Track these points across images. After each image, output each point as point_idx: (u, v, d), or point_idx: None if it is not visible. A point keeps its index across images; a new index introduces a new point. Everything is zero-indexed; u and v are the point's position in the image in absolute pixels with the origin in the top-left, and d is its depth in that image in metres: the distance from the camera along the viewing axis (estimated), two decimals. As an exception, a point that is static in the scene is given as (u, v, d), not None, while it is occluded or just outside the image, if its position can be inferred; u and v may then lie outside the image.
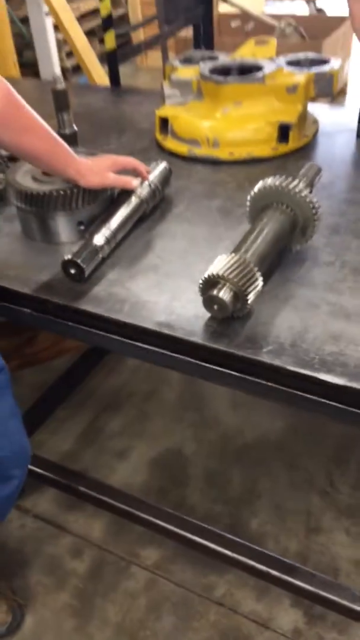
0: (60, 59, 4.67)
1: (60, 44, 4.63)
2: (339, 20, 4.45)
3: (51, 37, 4.32)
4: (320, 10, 5.79)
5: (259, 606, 1.56)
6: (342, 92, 4.24)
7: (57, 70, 4.43)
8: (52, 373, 2.08)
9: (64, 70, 4.72)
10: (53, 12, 3.25)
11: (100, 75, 3.18)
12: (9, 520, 1.77)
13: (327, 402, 0.98)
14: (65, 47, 4.66)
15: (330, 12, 5.56)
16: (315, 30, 4.35)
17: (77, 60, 3.36)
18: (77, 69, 4.72)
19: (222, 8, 4.52)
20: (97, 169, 1.29)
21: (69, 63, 4.89)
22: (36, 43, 4.34)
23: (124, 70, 2.31)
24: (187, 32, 2.97)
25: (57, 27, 3.80)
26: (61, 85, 1.52)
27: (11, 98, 1.19)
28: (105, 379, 2.24)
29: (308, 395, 0.99)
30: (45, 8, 3.85)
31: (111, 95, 2.27)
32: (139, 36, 4.52)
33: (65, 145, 1.27)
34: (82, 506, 1.80)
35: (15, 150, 1.26)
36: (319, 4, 5.92)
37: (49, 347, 2.02)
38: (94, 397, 2.17)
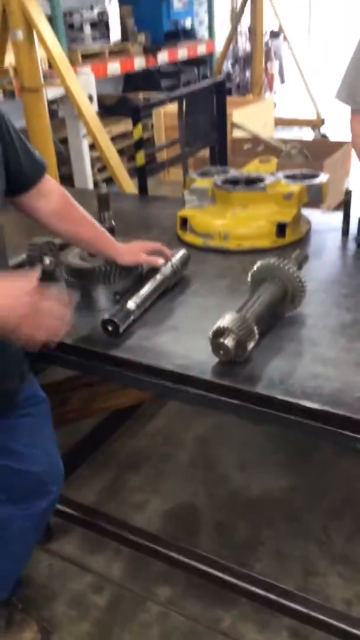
0: (93, 174, 5.30)
1: (93, 161, 5.28)
2: (339, 144, 5.04)
3: (86, 155, 4.95)
4: (324, 136, 6.52)
5: (260, 637, 1.72)
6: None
7: (90, 183, 5.03)
8: (78, 433, 2.35)
9: (95, 183, 5.33)
10: (91, 133, 3.83)
11: (129, 185, 3.69)
12: (38, 561, 1.98)
13: (307, 421, 1.26)
14: (98, 164, 5.30)
15: (333, 137, 6.27)
16: (318, 152, 4.92)
17: (110, 173, 3.90)
18: (106, 181, 5.35)
19: (236, 133, 5.17)
20: (131, 251, 1.66)
21: (99, 177, 5.53)
22: (73, 160, 4.98)
23: (149, 182, 2.77)
24: (205, 152, 3.50)
25: (92, 147, 4.42)
26: (104, 190, 1.94)
27: (66, 198, 1.59)
28: (126, 442, 2.49)
29: (292, 417, 1.27)
30: (83, 131, 4.49)
31: (140, 201, 2.71)
32: (162, 155, 5.17)
33: (107, 232, 1.65)
34: (103, 549, 2.00)
35: (69, 238, 1.64)
36: (323, 130, 6.67)
37: (78, 409, 2.30)
38: (116, 457, 2.41)
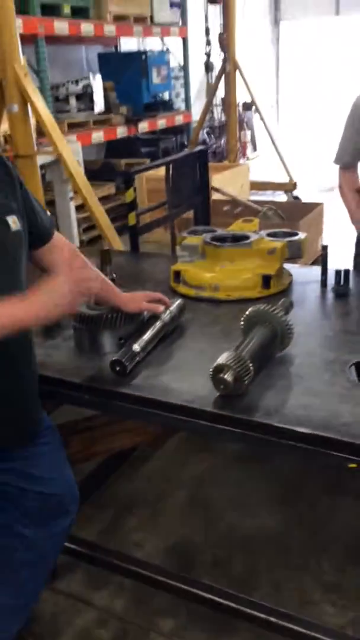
0: (79, 234, 5.55)
1: (79, 222, 5.53)
2: (312, 205, 5.39)
3: (73, 216, 5.20)
4: (296, 198, 6.93)
5: (260, 663, 1.82)
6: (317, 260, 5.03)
7: (77, 242, 5.26)
8: (77, 476, 2.45)
9: (81, 242, 5.57)
10: (82, 195, 4.08)
11: (118, 244, 3.92)
12: (43, 599, 2.05)
13: (300, 445, 1.42)
14: (83, 224, 5.56)
15: (305, 199, 6.68)
16: (292, 213, 5.24)
17: (99, 232, 4.14)
18: (91, 241, 5.62)
19: (216, 196, 5.50)
20: (134, 299, 1.84)
21: (84, 236, 5.78)
22: (60, 221, 5.22)
23: (131, 240, 3.00)
24: (188, 213, 3.76)
25: (77, 208, 4.69)
26: (107, 247, 2.13)
27: (75, 252, 1.78)
28: (123, 484, 2.60)
29: (287, 442, 1.43)
30: (70, 194, 4.74)
31: (133, 257, 2.92)
32: (145, 216, 5.46)
33: (112, 283, 1.83)
34: (105, 585, 2.08)
35: None
36: (295, 193, 7.09)
37: (78, 452, 2.41)
38: (114, 499, 2.51)
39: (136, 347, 1.74)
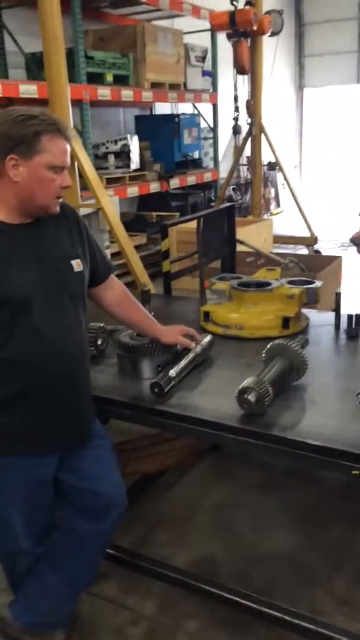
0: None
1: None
2: (331, 258, 5.70)
3: (107, 264, 5.59)
4: (317, 252, 7.26)
5: (275, 660, 2.01)
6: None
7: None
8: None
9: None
10: (119, 244, 4.46)
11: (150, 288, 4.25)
12: (81, 600, 2.27)
13: (312, 455, 1.68)
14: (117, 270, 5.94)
15: (325, 253, 7.01)
16: (312, 265, 5.56)
17: (134, 277, 4.49)
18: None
19: (240, 248, 5.85)
20: (171, 333, 2.12)
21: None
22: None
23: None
24: (215, 264, 4.09)
25: (114, 255, 5.08)
26: (147, 288, 2.46)
27: (126, 291, 2.10)
28: (151, 505, 2.83)
29: (299, 452, 1.69)
30: (107, 242, 5.13)
31: (166, 299, 3.25)
32: (174, 265, 5.84)
33: (153, 318, 2.13)
34: (136, 590, 2.30)
35: (125, 321, 2.12)
36: (316, 247, 7.44)
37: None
38: (143, 518, 2.74)
39: (172, 372, 2.03)
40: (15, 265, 1.69)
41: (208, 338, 2.30)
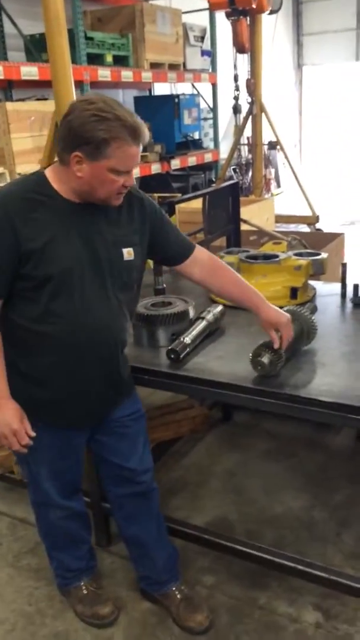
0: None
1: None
2: (334, 235, 5.77)
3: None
4: (318, 229, 7.33)
5: (290, 609, 2.12)
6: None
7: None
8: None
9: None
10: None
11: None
12: (102, 558, 2.39)
13: (323, 410, 1.77)
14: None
15: (327, 231, 7.08)
16: (315, 242, 5.60)
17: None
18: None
19: (243, 227, 5.92)
20: (275, 318, 1.92)
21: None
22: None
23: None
24: (220, 241, 4.17)
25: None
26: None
27: (215, 264, 2.04)
28: (165, 473, 2.94)
29: (310, 408, 1.79)
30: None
31: (175, 273, 3.31)
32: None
33: (251, 290, 2.01)
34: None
35: (217, 293, 2.14)
36: (317, 226, 7.50)
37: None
38: (159, 484, 2.83)
39: (187, 339, 2.12)
40: (65, 244, 1.70)
41: (219, 308, 2.38)
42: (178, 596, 2.15)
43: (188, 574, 2.31)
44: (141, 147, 1.67)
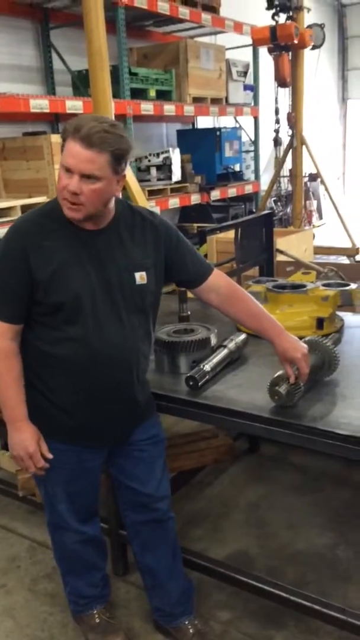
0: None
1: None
2: (372, 268, 5.70)
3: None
4: (358, 261, 7.24)
5: (306, 651, 2.05)
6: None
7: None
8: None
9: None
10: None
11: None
12: (117, 588, 2.37)
13: (339, 443, 1.73)
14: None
15: (367, 263, 6.98)
16: (353, 274, 5.54)
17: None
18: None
19: (280, 257, 5.91)
20: (291, 348, 1.87)
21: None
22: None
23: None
24: (254, 271, 4.17)
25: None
26: (182, 289, 2.55)
27: (233, 291, 2.01)
28: (187, 503, 2.90)
29: (327, 441, 1.74)
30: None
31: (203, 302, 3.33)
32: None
33: (270, 319, 1.97)
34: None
35: (235, 319, 2.13)
36: (358, 258, 7.41)
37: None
38: (179, 514, 2.78)
39: (207, 367, 2.11)
40: (76, 271, 1.73)
41: (242, 337, 2.36)
42: (190, 631, 2.10)
43: (203, 608, 2.26)
44: (90, 152, 1.62)
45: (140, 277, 1.83)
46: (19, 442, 1.84)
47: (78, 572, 2.14)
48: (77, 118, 1.70)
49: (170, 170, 6.53)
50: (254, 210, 8.07)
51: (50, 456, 1.87)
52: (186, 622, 2.11)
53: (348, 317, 2.77)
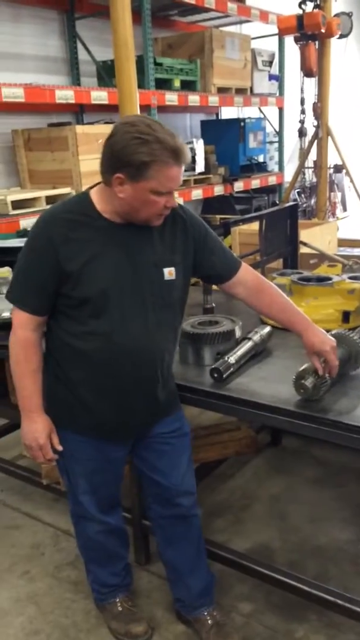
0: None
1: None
2: None
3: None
4: (383, 255, 7.14)
5: (328, 645, 2.04)
6: None
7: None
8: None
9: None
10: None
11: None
12: (139, 577, 2.38)
13: (366, 438, 1.71)
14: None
15: (392, 256, 6.88)
16: (378, 267, 5.49)
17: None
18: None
19: (304, 250, 5.86)
20: (319, 342, 1.85)
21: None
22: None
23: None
24: (277, 263, 4.13)
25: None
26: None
27: (260, 284, 1.99)
28: (209, 494, 2.91)
29: (352, 435, 1.73)
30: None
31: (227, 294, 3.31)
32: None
33: (297, 313, 1.96)
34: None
35: (262, 312, 2.14)
36: (382, 252, 7.32)
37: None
38: (201, 505, 2.80)
39: (231, 359, 2.10)
40: (104, 265, 1.72)
41: (267, 329, 2.35)
42: (209, 621, 2.11)
43: (225, 599, 2.27)
44: (183, 168, 1.68)
45: (169, 272, 1.82)
46: (30, 432, 1.87)
47: (100, 561, 2.16)
48: (152, 130, 1.60)
49: (193, 161, 6.50)
50: (277, 202, 8.00)
51: (60, 448, 1.89)
52: (205, 613, 2.12)
53: (374, 310, 2.74)
